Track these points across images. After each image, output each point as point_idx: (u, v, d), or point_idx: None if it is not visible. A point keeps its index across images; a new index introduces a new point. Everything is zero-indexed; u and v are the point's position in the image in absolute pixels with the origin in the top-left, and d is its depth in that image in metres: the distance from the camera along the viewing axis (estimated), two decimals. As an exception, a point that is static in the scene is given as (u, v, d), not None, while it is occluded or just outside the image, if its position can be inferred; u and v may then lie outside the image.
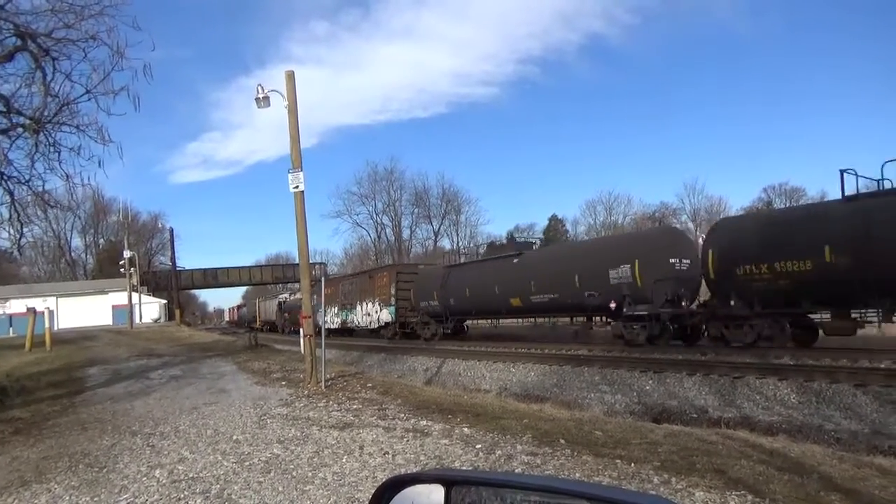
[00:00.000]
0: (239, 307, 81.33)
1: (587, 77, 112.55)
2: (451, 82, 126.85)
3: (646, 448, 5.61)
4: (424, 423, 7.14)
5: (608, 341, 18.94)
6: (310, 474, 5.28)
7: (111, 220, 72.41)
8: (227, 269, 67.69)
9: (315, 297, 12.36)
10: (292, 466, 5.55)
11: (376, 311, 30.11)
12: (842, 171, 13.99)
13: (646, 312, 17.02)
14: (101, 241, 75.92)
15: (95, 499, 5.00)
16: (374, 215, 72.91)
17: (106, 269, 65.66)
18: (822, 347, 14.61)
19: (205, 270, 66.57)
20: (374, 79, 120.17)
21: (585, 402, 12.89)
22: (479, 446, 5.90)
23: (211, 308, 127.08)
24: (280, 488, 4.94)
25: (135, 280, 47.66)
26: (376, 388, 10.37)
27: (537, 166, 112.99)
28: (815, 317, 15.13)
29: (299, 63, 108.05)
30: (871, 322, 14.08)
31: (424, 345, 24.53)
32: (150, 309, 54.96)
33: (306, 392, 10.09)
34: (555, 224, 73.13)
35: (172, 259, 57.12)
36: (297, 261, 19.11)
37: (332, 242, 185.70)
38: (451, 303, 25.55)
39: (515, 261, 22.63)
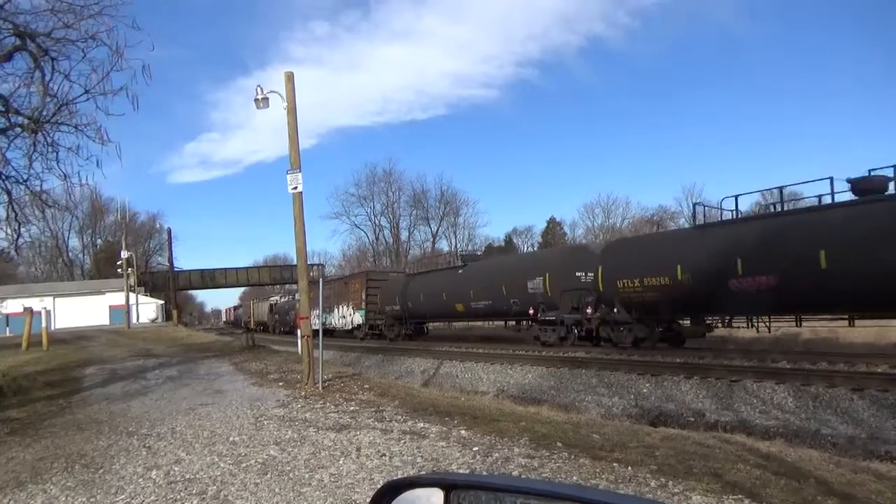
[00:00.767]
0: (235, 308, 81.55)
1: (586, 79, 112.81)
2: (451, 84, 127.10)
3: (643, 451, 5.61)
4: (422, 425, 7.13)
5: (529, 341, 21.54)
6: (306, 476, 5.27)
7: (109, 220, 72.53)
8: (225, 269, 67.62)
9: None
10: (289, 468, 5.54)
11: (350, 314, 32.97)
12: (695, 205, 19.04)
13: (554, 318, 20.17)
14: (99, 241, 75.84)
15: (91, 500, 4.99)
16: (373, 217, 72.92)
17: (103, 269, 65.65)
18: (820, 352, 14.63)
19: (202, 271, 66.49)
20: (374, 80, 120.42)
21: (583, 404, 12.89)
22: (476, 449, 5.89)
23: (208, 309, 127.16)
24: (277, 490, 4.93)
25: (132, 280, 47.61)
26: (373, 389, 10.36)
27: (536, 168, 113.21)
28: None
29: (299, 64, 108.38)
30: (718, 326, 18.02)
31: (414, 345, 25.68)
32: (147, 309, 54.90)
33: (303, 393, 10.08)
34: (553, 226, 73.19)
35: (170, 259, 57.20)
36: (294, 262, 19.26)
37: (330, 244, 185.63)
38: (409, 307, 28.76)
39: (460, 272, 26.20)
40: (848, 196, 13.99)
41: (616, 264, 18.37)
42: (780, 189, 16.64)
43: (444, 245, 71.85)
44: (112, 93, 10.22)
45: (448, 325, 33.51)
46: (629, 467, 5.07)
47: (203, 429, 7.55)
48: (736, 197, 16.77)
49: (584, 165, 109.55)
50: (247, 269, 71.33)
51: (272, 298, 54.84)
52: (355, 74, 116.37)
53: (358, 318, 32.44)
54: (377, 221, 72.89)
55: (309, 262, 14.66)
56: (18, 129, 10.44)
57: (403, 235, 73.58)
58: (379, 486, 1.41)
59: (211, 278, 66.73)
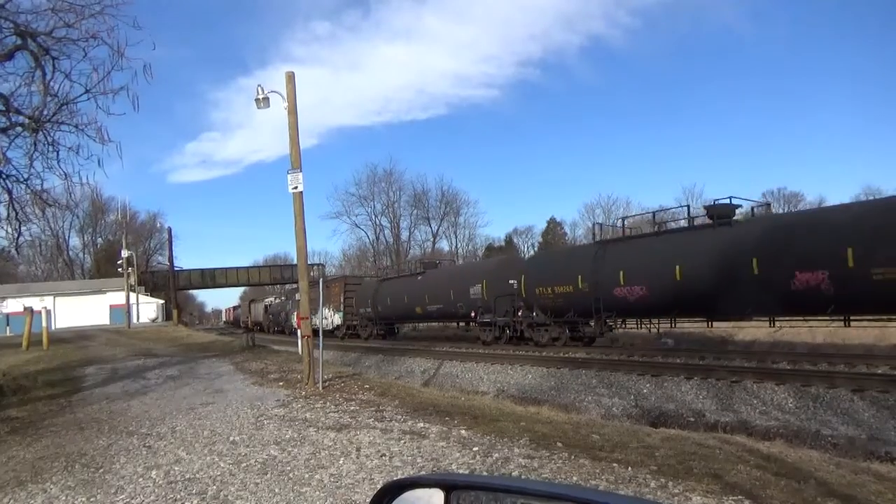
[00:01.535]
0: (235, 308, 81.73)
1: (587, 79, 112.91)
2: (451, 84, 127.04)
3: (643, 452, 5.61)
4: (422, 425, 7.13)
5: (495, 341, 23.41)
6: (306, 476, 5.27)
7: (109, 219, 72.39)
8: (226, 269, 67.60)
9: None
10: (289, 468, 5.54)
11: (331, 315, 35.19)
12: (594, 224, 24.09)
13: (489, 320, 23.27)
14: (99, 240, 75.81)
15: (92, 499, 4.99)
16: (373, 216, 72.86)
17: (104, 268, 65.63)
18: (820, 354, 14.63)
19: (203, 271, 66.47)
20: (375, 79, 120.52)
21: (583, 404, 12.89)
22: (476, 449, 5.89)
23: (209, 308, 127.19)
24: (277, 490, 4.93)
25: (132, 280, 47.61)
26: (374, 389, 10.36)
27: (536, 168, 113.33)
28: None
29: (299, 63, 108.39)
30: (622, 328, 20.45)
31: (414, 345, 26.41)
32: (147, 309, 54.88)
33: (303, 393, 10.08)
34: (553, 227, 73.15)
35: (170, 259, 57.11)
36: (295, 262, 19.34)
37: (331, 243, 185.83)
38: (379, 310, 31.94)
39: (419, 278, 29.62)
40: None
41: (535, 274, 21.41)
42: (653, 213, 21.05)
43: (444, 245, 71.92)
44: (113, 92, 10.23)
45: (414, 326, 36.87)
46: (629, 468, 5.06)
47: (203, 428, 7.56)
48: (623, 218, 21.53)
49: (585, 165, 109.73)
50: (247, 268, 71.32)
51: (267, 300, 56.90)
52: (356, 74, 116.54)
53: (337, 319, 35.09)
54: (378, 221, 72.90)
55: (309, 262, 14.67)
56: (19, 129, 10.44)
57: (404, 235, 73.57)
58: (379, 486, 1.41)
59: (211, 278, 66.72)
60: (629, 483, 4.68)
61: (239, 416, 8.31)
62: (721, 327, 20.88)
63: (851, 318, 14.03)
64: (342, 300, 34.41)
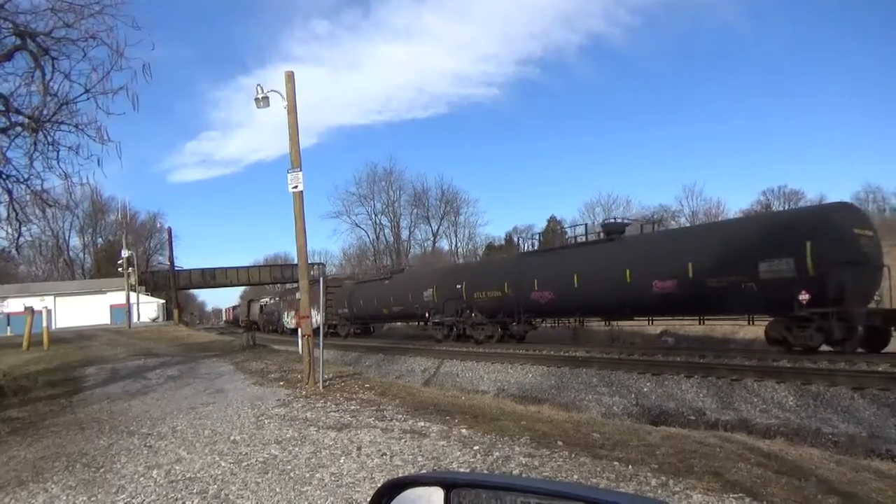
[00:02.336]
0: (234, 308, 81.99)
1: (587, 78, 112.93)
2: (451, 83, 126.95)
3: (643, 450, 5.61)
4: (422, 424, 7.13)
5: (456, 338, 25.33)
6: (307, 475, 5.27)
7: (109, 219, 72.39)
8: (226, 269, 67.60)
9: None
10: (290, 467, 5.55)
11: (314, 315, 36.15)
12: (518, 238, 32.14)
13: (439, 320, 25.94)
14: (100, 240, 75.84)
15: (93, 499, 4.99)
16: (373, 216, 72.97)
17: (104, 268, 65.61)
18: (820, 351, 14.62)
19: (203, 270, 66.47)
20: (374, 79, 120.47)
21: (583, 403, 12.89)
22: (476, 448, 5.89)
23: (209, 308, 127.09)
24: (277, 489, 4.93)
25: (133, 279, 47.58)
26: (374, 388, 10.36)
27: (537, 167, 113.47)
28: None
29: (299, 62, 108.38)
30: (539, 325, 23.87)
31: (413, 344, 26.57)
32: (147, 308, 54.86)
33: (304, 392, 10.08)
34: (553, 225, 73.11)
35: (171, 259, 57.10)
36: (295, 261, 19.40)
37: (331, 243, 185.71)
38: (355, 311, 34.78)
39: (386, 282, 32.62)
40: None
41: (474, 280, 24.67)
42: (569, 227, 25.96)
43: (445, 244, 71.91)
44: (112, 92, 10.24)
45: (388, 326, 39.52)
46: (630, 466, 5.07)
47: (204, 428, 7.56)
48: (540, 233, 27.39)
49: (585, 164, 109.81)
50: (247, 268, 71.34)
51: (263, 300, 58.61)
52: (356, 73, 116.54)
53: (318, 319, 37.03)
54: (378, 220, 73.00)
55: (310, 262, 14.65)
56: (19, 129, 10.45)
57: (404, 234, 73.70)
58: (379, 486, 1.41)
59: (211, 277, 66.72)
60: (630, 481, 4.69)
61: (240, 415, 8.31)
62: (721, 326, 22.12)
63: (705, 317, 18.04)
64: (323, 301, 37.43)
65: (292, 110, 11.07)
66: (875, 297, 14.42)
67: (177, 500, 4.83)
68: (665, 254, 17.04)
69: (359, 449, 6.06)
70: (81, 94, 10.31)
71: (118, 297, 49.74)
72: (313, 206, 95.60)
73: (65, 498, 5.06)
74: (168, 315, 55.78)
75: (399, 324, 37.49)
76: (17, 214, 11.01)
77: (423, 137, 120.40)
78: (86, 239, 76.27)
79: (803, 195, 68.02)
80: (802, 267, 13.81)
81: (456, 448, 5.92)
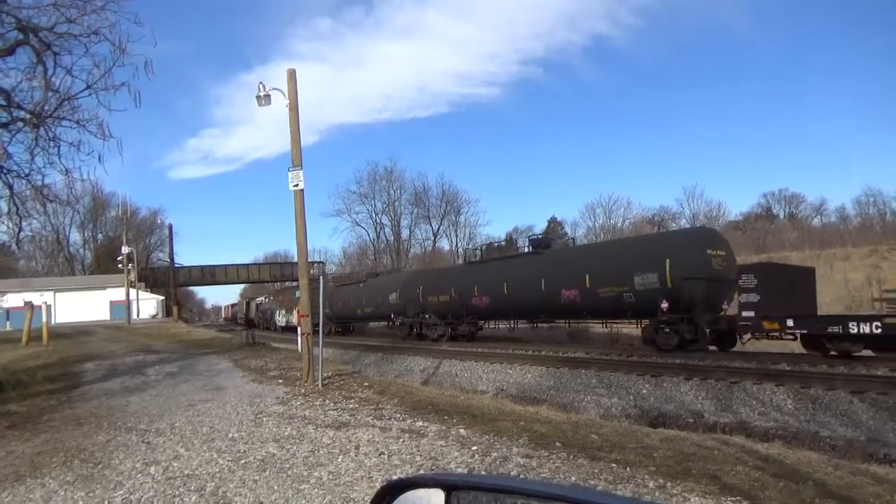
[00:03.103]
0: (233, 305, 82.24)
1: (590, 79, 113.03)
2: (453, 82, 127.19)
3: (642, 452, 5.61)
4: (421, 423, 7.13)
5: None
6: (305, 473, 5.27)
7: (110, 215, 72.44)
8: (226, 266, 67.67)
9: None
10: (288, 465, 5.55)
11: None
12: (465, 250, 34.45)
13: (401, 321, 29.60)
14: (100, 236, 75.83)
15: (90, 494, 4.99)
16: (374, 215, 72.98)
17: (104, 264, 65.64)
18: (815, 354, 14.61)
19: (203, 267, 66.54)
20: (376, 77, 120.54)
21: (582, 404, 12.89)
22: (474, 448, 5.89)
23: (209, 305, 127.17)
24: (275, 487, 4.93)
25: (133, 276, 47.60)
26: (373, 387, 10.36)
27: (538, 167, 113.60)
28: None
29: (301, 60, 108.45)
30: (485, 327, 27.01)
31: (412, 344, 26.82)
32: (147, 305, 54.91)
33: (303, 390, 10.08)
34: (554, 226, 73.10)
35: (171, 255, 57.18)
36: (295, 259, 19.45)
37: (331, 241, 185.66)
38: (334, 310, 36.52)
39: (361, 285, 36.09)
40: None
41: (429, 285, 28.02)
42: (511, 238, 30.67)
43: (445, 244, 71.91)
44: (114, 88, 10.25)
45: (369, 325, 41.93)
46: (628, 468, 5.07)
47: (202, 425, 7.56)
48: (482, 246, 29.42)
49: (587, 165, 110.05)
50: (247, 265, 71.41)
51: (258, 299, 59.99)
52: (358, 71, 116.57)
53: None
54: (378, 219, 73.01)
55: (310, 260, 14.65)
56: (20, 124, 10.45)
57: (404, 234, 73.70)
58: (377, 485, 1.41)
59: (211, 275, 66.78)
60: (627, 483, 4.69)
61: (238, 412, 8.31)
62: (620, 329, 24.54)
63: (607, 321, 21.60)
64: (311, 301, 40.23)
65: (294, 108, 11.07)
66: (723, 306, 17.07)
67: (174, 496, 4.83)
68: (571, 267, 20.51)
69: (357, 448, 6.06)
70: (83, 90, 10.33)
71: (118, 294, 49.78)
72: (314, 204, 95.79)
73: (62, 493, 5.05)
74: (167, 312, 55.80)
75: (373, 324, 39.92)
76: (17, 209, 11.02)
77: (425, 136, 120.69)
78: (86, 234, 76.37)
79: (804, 198, 68.21)
80: (664, 280, 16.92)
81: (454, 448, 5.92)
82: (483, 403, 9.24)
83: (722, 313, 16.85)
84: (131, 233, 57.85)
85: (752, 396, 11.39)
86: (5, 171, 10.57)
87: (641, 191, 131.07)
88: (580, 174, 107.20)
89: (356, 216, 72.40)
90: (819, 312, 15.80)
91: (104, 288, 55.90)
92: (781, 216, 67.83)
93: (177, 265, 58.42)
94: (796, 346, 15.08)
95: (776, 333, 14.17)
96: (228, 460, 5.80)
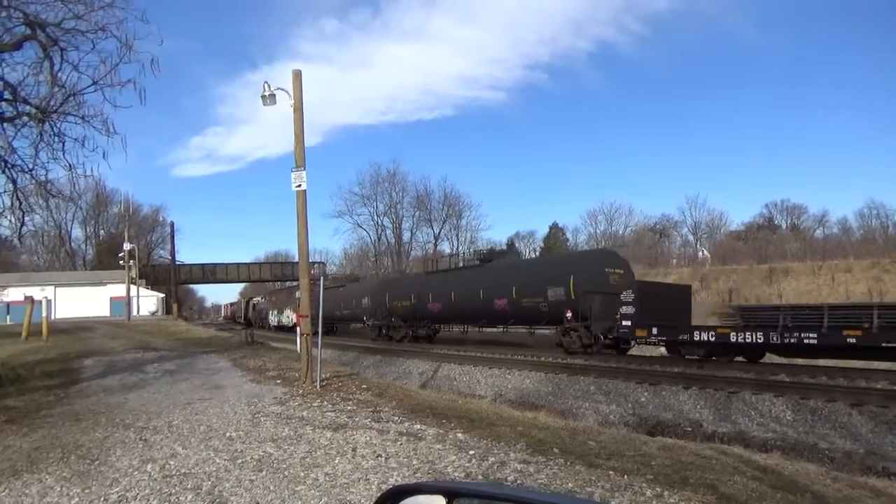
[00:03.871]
0: (232, 304, 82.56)
1: (595, 85, 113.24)
2: (458, 85, 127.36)
3: (639, 460, 5.60)
4: (418, 426, 7.12)
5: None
6: (302, 474, 5.26)
7: (112, 211, 72.65)
8: (227, 265, 67.75)
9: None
10: (285, 466, 5.54)
11: (289, 315, 43.07)
12: (425, 259, 47.75)
13: (371, 323, 32.73)
14: (102, 232, 75.93)
15: (86, 490, 4.99)
16: (375, 217, 73.01)
17: (105, 260, 65.72)
18: (818, 366, 14.60)
19: (204, 266, 66.62)
20: (381, 79, 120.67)
21: (580, 411, 12.86)
22: (472, 452, 5.88)
23: (209, 303, 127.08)
24: (272, 487, 4.93)
25: (134, 273, 47.64)
26: (371, 389, 10.35)
27: (541, 173, 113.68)
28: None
29: (307, 60, 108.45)
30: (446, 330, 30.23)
31: (411, 347, 26.84)
32: (147, 302, 54.91)
33: (301, 391, 10.07)
34: (555, 232, 73.15)
35: (172, 253, 57.18)
36: (296, 259, 19.51)
37: (333, 242, 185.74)
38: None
39: (341, 290, 38.95)
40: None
41: (394, 292, 31.04)
42: (483, 252, 31.71)
43: (446, 247, 71.90)
44: (120, 85, 10.28)
45: (352, 326, 44.03)
46: (625, 476, 5.05)
47: (200, 424, 7.55)
48: (437, 259, 34.12)
49: (590, 171, 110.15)
50: (248, 265, 71.51)
51: (255, 299, 61.67)
52: (363, 73, 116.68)
53: (294, 318, 44.44)
54: (380, 221, 73.04)
55: (311, 260, 14.65)
56: (25, 119, 10.47)
57: (406, 236, 73.71)
58: (374, 487, 1.41)
59: (212, 273, 66.88)
60: (625, 491, 4.67)
61: (236, 412, 8.30)
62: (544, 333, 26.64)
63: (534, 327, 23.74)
64: (299, 303, 42.79)
65: (298, 109, 11.08)
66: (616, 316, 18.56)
67: (170, 495, 4.82)
68: (502, 280, 23.62)
69: (354, 450, 6.05)
70: (89, 86, 10.35)
71: (118, 290, 49.81)
72: (316, 204, 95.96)
73: (59, 489, 5.05)
74: (167, 309, 55.83)
75: (355, 325, 42.55)
76: (20, 204, 11.04)
77: (428, 139, 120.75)
78: (88, 230, 76.51)
79: (806, 209, 68.16)
80: (569, 293, 20.13)
81: (451, 452, 5.91)
82: (481, 408, 9.23)
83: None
84: (133, 229, 57.87)
85: (751, 406, 11.36)
86: (9, 165, 10.59)
87: (643, 198, 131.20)
88: (583, 180, 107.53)
89: (358, 218, 72.52)
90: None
91: (105, 284, 55.96)
92: (783, 227, 67.82)
93: (178, 263, 58.46)
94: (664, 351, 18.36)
95: (643, 339, 17.36)
96: (225, 459, 5.79)
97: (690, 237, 68.80)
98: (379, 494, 1.40)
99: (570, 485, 4.85)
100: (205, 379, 12.06)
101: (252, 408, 8.59)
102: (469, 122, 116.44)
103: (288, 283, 67.28)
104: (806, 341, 13.44)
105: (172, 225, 58.40)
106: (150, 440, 6.71)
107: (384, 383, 12.20)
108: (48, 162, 10.73)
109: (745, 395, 11.77)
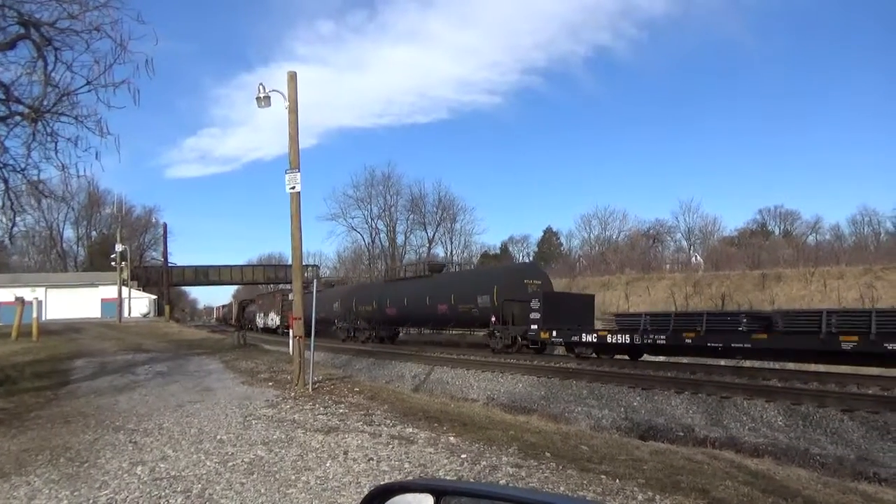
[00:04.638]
0: (223, 307, 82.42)
1: (591, 90, 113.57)
2: (454, 89, 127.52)
3: (631, 465, 5.60)
4: (410, 430, 7.11)
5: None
6: (293, 477, 5.24)
7: (105, 212, 72.18)
8: (219, 267, 67.45)
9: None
10: (275, 469, 5.51)
11: (274, 318, 46.26)
12: (385, 269, 54.64)
13: (341, 325, 35.22)
14: (94, 233, 75.44)
15: (75, 493, 4.94)
16: (369, 220, 72.70)
17: (97, 261, 65.25)
18: (810, 371, 14.67)
19: (196, 268, 66.32)
20: (377, 81, 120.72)
21: (572, 415, 12.86)
22: (464, 456, 5.87)
23: (201, 305, 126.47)
24: (262, 490, 4.90)
25: (125, 274, 47.41)
26: (363, 392, 10.32)
27: (536, 177, 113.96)
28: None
29: (302, 62, 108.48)
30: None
31: (407, 349, 26.66)
32: (139, 304, 54.59)
33: (293, 394, 10.03)
34: (549, 237, 73.29)
35: (164, 255, 56.94)
36: (289, 262, 19.48)
37: (326, 245, 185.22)
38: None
39: (317, 294, 37.70)
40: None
41: (359, 297, 34.29)
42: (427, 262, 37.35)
43: (440, 251, 71.84)
44: (114, 85, 10.19)
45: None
46: (617, 480, 5.05)
47: (190, 426, 7.51)
48: (396, 268, 42.05)
49: (584, 176, 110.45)
50: (241, 267, 71.18)
51: (244, 301, 62.91)
52: (358, 75, 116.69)
53: (278, 320, 45.01)
54: (374, 224, 72.70)
55: (304, 263, 14.62)
56: (18, 118, 10.39)
57: (399, 240, 73.43)
58: (366, 491, 1.40)
59: (205, 275, 66.56)
60: (616, 495, 4.67)
61: (227, 415, 8.26)
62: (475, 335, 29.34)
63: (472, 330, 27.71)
64: (280, 306, 44.32)
65: (293, 111, 11.07)
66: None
67: (160, 498, 4.78)
68: (443, 288, 27.33)
69: (345, 453, 6.03)
70: (83, 86, 10.27)
71: (110, 291, 49.53)
72: (310, 207, 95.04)
73: (47, 492, 5.00)
74: (159, 311, 55.48)
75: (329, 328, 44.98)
76: (11, 204, 10.93)
77: (423, 142, 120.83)
78: (80, 231, 75.92)
79: (799, 215, 68.56)
80: (493, 301, 23.47)
81: (443, 456, 5.90)
82: (474, 411, 9.22)
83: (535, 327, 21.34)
84: (125, 231, 57.59)
85: (743, 412, 11.39)
86: (1, 164, 10.50)
87: (638, 203, 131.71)
88: (578, 185, 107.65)
89: (352, 220, 72.19)
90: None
91: (96, 285, 55.57)
92: (776, 233, 68.17)
93: (170, 264, 58.19)
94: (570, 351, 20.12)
95: (545, 341, 20.46)
96: (216, 462, 5.76)
97: (684, 242, 69.04)
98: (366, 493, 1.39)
99: (562, 488, 4.85)
100: (196, 381, 11.99)
101: (243, 410, 8.55)
102: (464, 125, 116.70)
103: (273, 286, 67.23)
104: (658, 342, 16.59)
105: (165, 226, 58.22)
106: (140, 443, 6.66)
107: (377, 386, 12.17)
108: (41, 162, 10.63)
109: (737, 400, 11.80)
